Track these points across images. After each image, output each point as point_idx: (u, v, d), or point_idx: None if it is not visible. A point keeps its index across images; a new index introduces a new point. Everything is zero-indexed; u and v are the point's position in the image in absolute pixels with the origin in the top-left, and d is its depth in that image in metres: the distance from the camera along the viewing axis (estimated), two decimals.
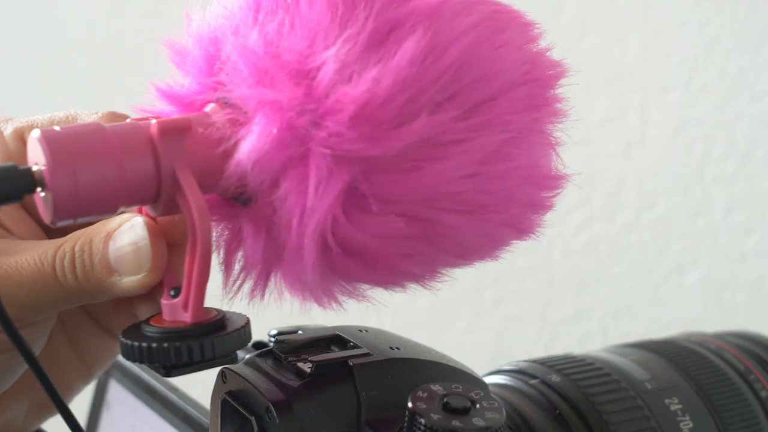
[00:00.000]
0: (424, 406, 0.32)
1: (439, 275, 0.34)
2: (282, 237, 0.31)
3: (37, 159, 0.31)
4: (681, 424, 0.41)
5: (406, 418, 0.32)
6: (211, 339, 0.32)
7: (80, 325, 0.42)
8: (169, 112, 0.35)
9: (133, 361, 0.33)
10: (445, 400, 0.32)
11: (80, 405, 0.58)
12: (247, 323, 0.33)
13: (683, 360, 0.44)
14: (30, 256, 0.36)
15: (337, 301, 0.33)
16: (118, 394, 0.55)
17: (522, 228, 0.34)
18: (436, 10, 0.31)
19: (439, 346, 0.38)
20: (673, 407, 0.42)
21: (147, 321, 0.34)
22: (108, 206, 0.32)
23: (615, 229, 0.90)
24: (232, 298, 0.35)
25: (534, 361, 0.44)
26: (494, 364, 0.46)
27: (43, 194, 0.31)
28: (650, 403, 0.41)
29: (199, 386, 0.50)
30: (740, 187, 0.86)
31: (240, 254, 0.34)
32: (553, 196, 0.34)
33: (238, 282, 0.34)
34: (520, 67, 0.32)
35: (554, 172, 0.34)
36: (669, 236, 0.89)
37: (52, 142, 0.31)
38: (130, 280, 0.35)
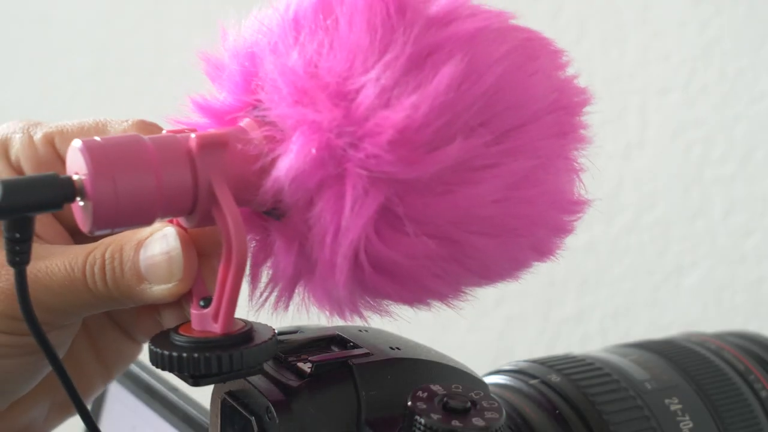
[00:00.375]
0: (424, 406, 0.32)
1: (462, 294, 0.34)
2: (315, 253, 0.32)
3: (77, 168, 0.31)
4: (681, 424, 0.41)
5: (406, 418, 0.32)
6: (240, 350, 0.32)
7: (102, 328, 0.43)
8: (203, 124, 0.36)
9: (162, 369, 0.33)
10: (445, 400, 0.33)
11: None
12: (274, 335, 0.34)
13: (683, 360, 0.44)
14: (60, 261, 0.36)
15: (362, 315, 0.34)
16: (118, 394, 0.55)
17: (544, 251, 0.35)
18: (474, 37, 0.32)
19: (440, 346, 0.38)
20: (673, 407, 0.42)
21: (176, 329, 0.34)
22: (145, 217, 0.32)
23: (614, 231, 0.90)
24: (258, 309, 0.35)
25: (534, 361, 0.44)
26: (496, 364, 0.46)
27: (81, 203, 0.31)
28: (650, 403, 0.41)
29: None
30: (739, 189, 0.86)
31: (267, 266, 0.35)
32: (575, 220, 0.35)
33: (266, 294, 0.35)
34: (549, 95, 0.33)
35: (577, 197, 0.35)
36: (668, 237, 0.89)
37: (93, 152, 0.31)
38: (160, 289, 0.36)
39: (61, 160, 0.39)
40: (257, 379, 0.35)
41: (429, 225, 0.32)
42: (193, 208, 0.33)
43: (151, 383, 0.52)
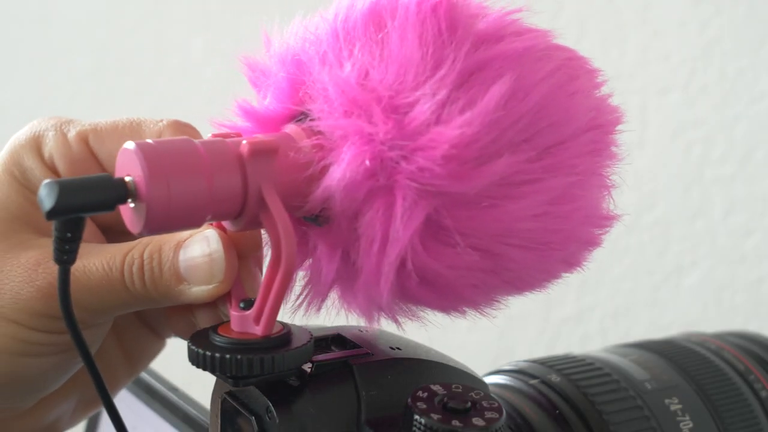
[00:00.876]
0: (424, 406, 0.32)
1: (494, 303, 0.35)
2: (360, 261, 0.33)
3: (128, 170, 0.32)
4: (681, 424, 0.41)
5: (406, 418, 0.32)
6: (282, 353, 0.33)
7: (129, 325, 0.43)
8: (246, 128, 0.36)
9: (203, 369, 0.34)
10: (445, 400, 0.33)
11: None
12: (312, 338, 0.35)
13: (683, 360, 0.44)
14: (98, 260, 0.37)
15: (397, 321, 0.35)
16: (118, 394, 0.55)
17: (573, 262, 0.36)
18: (522, 56, 0.33)
19: (441, 346, 0.38)
20: (673, 407, 0.42)
21: (215, 330, 0.34)
22: (195, 220, 0.33)
23: (614, 231, 0.90)
24: (294, 312, 0.36)
25: (534, 361, 0.44)
26: (496, 364, 0.46)
27: (132, 205, 0.32)
28: (650, 403, 0.41)
29: (199, 386, 0.50)
30: (739, 189, 0.86)
31: (305, 270, 0.36)
32: (604, 234, 0.36)
33: (302, 296, 0.36)
34: (587, 114, 0.34)
35: (606, 212, 0.36)
36: (668, 237, 0.89)
37: (148, 154, 0.31)
38: (199, 290, 0.36)
39: (95, 159, 0.40)
40: (257, 379, 0.35)
41: (473, 237, 0.32)
42: (241, 213, 0.33)
43: (151, 383, 0.52)
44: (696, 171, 0.88)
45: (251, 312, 0.34)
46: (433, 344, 0.38)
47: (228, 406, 0.36)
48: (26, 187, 0.39)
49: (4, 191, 0.39)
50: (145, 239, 0.37)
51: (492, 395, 0.34)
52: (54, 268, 0.36)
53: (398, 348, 0.37)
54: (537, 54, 0.34)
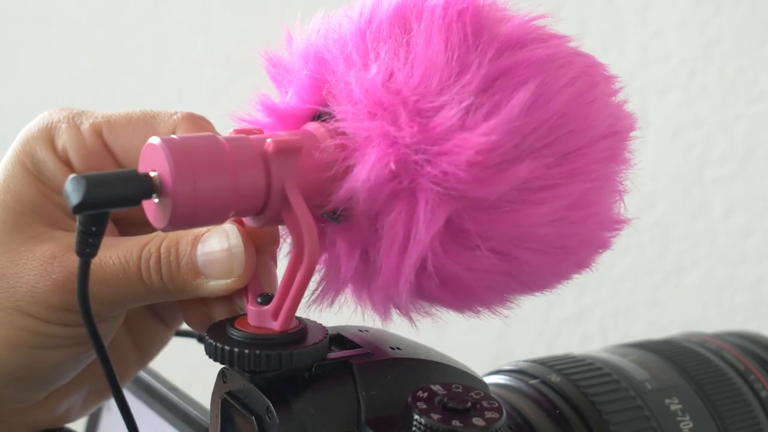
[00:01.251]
0: (425, 406, 0.32)
1: (506, 303, 0.36)
2: (381, 260, 0.33)
3: (153, 165, 0.32)
4: (681, 424, 0.41)
5: (406, 418, 0.32)
6: (299, 349, 0.33)
7: (140, 316, 0.43)
8: (266, 124, 0.36)
9: (221, 362, 0.34)
10: (445, 400, 0.33)
11: None
12: (327, 334, 0.35)
13: (683, 360, 0.44)
14: (114, 254, 0.37)
15: (411, 319, 0.36)
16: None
17: (584, 265, 0.36)
18: (545, 63, 0.33)
19: (440, 346, 0.38)
20: (673, 407, 0.42)
21: (231, 323, 0.35)
22: (219, 216, 0.33)
23: None
24: (309, 306, 0.36)
25: (534, 361, 0.44)
26: (496, 364, 0.46)
27: (157, 200, 0.32)
28: (650, 403, 0.41)
29: (199, 386, 0.50)
30: (739, 189, 0.86)
31: (321, 264, 0.36)
32: (614, 237, 0.36)
33: (318, 291, 0.36)
34: (605, 121, 0.35)
35: (618, 216, 0.36)
36: (668, 237, 0.89)
37: (174, 150, 0.31)
38: (217, 284, 0.36)
39: (109, 152, 0.40)
40: (258, 379, 0.35)
41: (492, 241, 0.33)
42: (263, 210, 0.34)
43: (151, 383, 0.52)
44: (696, 171, 0.88)
45: (269, 307, 0.34)
46: (433, 344, 0.38)
47: (228, 406, 0.36)
48: (39, 179, 0.39)
49: (17, 183, 0.39)
50: (160, 232, 0.37)
51: (492, 395, 0.34)
52: (70, 262, 0.37)
53: (398, 348, 0.37)
54: (559, 61, 0.34)
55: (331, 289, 0.36)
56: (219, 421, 0.36)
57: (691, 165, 0.88)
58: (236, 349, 0.33)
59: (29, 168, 0.39)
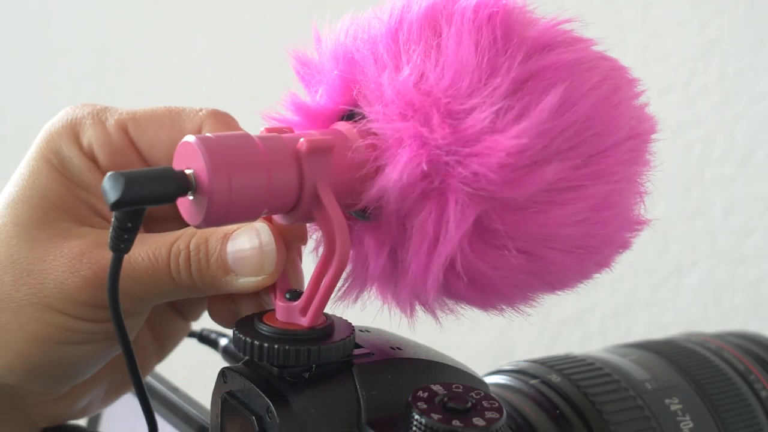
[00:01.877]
0: (425, 406, 0.32)
1: (529, 301, 0.36)
2: (409, 258, 0.34)
3: (188, 163, 0.32)
4: (681, 424, 0.41)
5: (407, 418, 0.32)
6: (327, 345, 0.34)
7: (161, 310, 0.44)
8: (296, 122, 0.37)
9: (250, 357, 0.34)
10: (445, 400, 0.33)
11: None
12: (353, 330, 0.36)
13: (683, 360, 0.44)
14: (143, 251, 0.37)
15: (436, 316, 0.36)
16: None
17: (604, 264, 0.37)
18: (573, 66, 0.34)
19: (441, 346, 0.38)
20: (673, 407, 0.42)
21: (260, 318, 0.35)
22: (252, 213, 0.33)
23: None
24: (335, 303, 0.37)
25: (534, 361, 0.44)
26: (496, 364, 0.46)
27: (192, 198, 0.32)
28: (650, 403, 0.41)
29: (199, 386, 0.50)
30: (739, 189, 0.86)
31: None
32: (634, 237, 0.37)
33: (344, 288, 0.37)
34: (628, 123, 0.35)
35: (639, 217, 0.37)
36: (668, 237, 0.89)
37: (210, 148, 0.32)
38: (246, 281, 0.37)
39: (135, 148, 0.40)
40: (258, 379, 0.35)
41: (519, 240, 0.33)
42: (294, 207, 0.34)
43: (151, 383, 0.52)
44: (696, 171, 0.88)
45: (298, 303, 0.35)
46: (433, 344, 0.38)
47: (228, 406, 0.36)
48: (65, 175, 0.40)
49: (43, 180, 0.39)
50: (190, 230, 0.37)
51: (492, 395, 0.34)
52: (98, 258, 0.37)
53: (398, 348, 0.37)
54: (586, 64, 0.34)
55: (357, 286, 0.37)
56: (219, 421, 0.36)
57: (691, 165, 0.88)
58: (266, 344, 0.34)
59: (54, 164, 0.40)
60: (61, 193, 0.39)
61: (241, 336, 0.34)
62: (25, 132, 1.34)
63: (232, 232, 0.37)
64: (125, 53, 1.22)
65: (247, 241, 0.36)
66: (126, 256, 0.36)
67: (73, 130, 0.40)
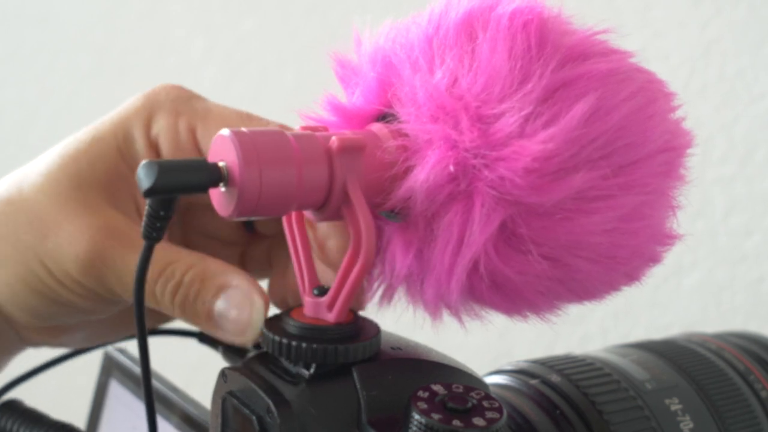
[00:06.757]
0: (425, 406, 0.32)
1: (555, 309, 0.37)
2: (435, 259, 0.34)
3: (222, 156, 0.33)
4: (681, 425, 0.41)
5: (407, 418, 0.32)
6: (354, 344, 0.34)
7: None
8: (331, 122, 0.38)
9: (276, 354, 0.35)
10: (445, 400, 0.33)
11: (80, 405, 0.58)
12: (379, 330, 0.36)
13: (683, 360, 0.44)
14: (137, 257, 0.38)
15: (460, 320, 0.36)
16: (118, 394, 0.55)
17: (634, 276, 0.37)
18: (607, 76, 0.34)
19: (441, 346, 0.38)
20: (673, 407, 0.42)
21: (287, 313, 0.36)
22: (282, 208, 0.34)
23: None
24: (369, 303, 0.38)
25: (534, 361, 0.44)
26: (496, 364, 0.46)
27: (223, 189, 0.33)
28: (650, 403, 0.41)
29: (199, 386, 0.50)
30: (740, 189, 0.86)
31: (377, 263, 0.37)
32: (665, 251, 0.37)
33: (374, 288, 0.37)
34: (662, 136, 0.35)
35: (671, 231, 0.37)
36: None
37: (243, 142, 0.32)
38: (224, 335, 0.38)
39: (198, 150, 0.41)
40: (258, 379, 0.35)
41: (545, 247, 0.34)
42: (323, 204, 0.35)
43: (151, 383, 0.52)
44: (696, 171, 0.88)
45: (325, 299, 0.35)
46: (433, 344, 0.38)
47: (228, 406, 0.36)
48: (121, 153, 0.41)
49: (101, 149, 0.41)
50: (190, 258, 0.38)
51: (492, 395, 0.34)
52: (103, 247, 0.39)
53: (399, 348, 0.37)
54: (620, 75, 0.35)
55: (388, 287, 0.37)
56: (219, 421, 0.36)
57: (691, 165, 0.88)
58: (294, 343, 0.34)
59: (119, 140, 0.41)
60: (108, 168, 0.40)
61: (270, 335, 0.35)
62: (26, 132, 1.34)
63: (229, 288, 0.38)
64: (125, 53, 1.22)
65: (236, 310, 0.38)
66: (123, 257, 0.38)
67: (148, 116, 0.41)
